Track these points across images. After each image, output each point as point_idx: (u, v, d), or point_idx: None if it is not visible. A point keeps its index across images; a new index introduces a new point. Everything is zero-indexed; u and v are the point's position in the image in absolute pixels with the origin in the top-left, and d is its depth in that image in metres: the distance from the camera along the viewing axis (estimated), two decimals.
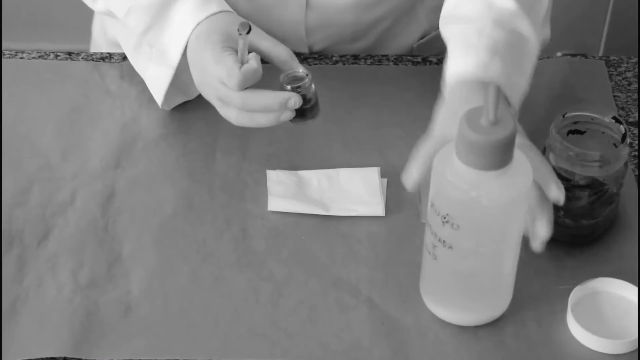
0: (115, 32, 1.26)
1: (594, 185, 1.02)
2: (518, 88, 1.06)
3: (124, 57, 1.26)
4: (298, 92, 1.04)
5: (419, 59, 1.26)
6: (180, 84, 1.16)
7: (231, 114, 1.05)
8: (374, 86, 1.22)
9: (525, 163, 0.91)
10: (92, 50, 1.41)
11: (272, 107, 1.03)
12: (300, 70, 1.06)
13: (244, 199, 1.10)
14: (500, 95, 0.86)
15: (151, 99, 1.20)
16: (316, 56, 1.27)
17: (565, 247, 1.05)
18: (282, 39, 1.26)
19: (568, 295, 0.99)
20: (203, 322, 0.99)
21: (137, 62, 1.17)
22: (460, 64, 1.04)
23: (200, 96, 1.20)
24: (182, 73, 1.13)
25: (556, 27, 2.25)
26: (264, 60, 1.06)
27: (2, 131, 1.16)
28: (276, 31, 1.25)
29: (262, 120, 1.04)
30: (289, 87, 1.04)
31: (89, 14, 1.41)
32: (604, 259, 1.04)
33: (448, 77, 1.05)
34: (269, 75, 1.05)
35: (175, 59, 1.11)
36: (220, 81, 1.04)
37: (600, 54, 2.26)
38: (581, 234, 1.05)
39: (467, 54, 1.04)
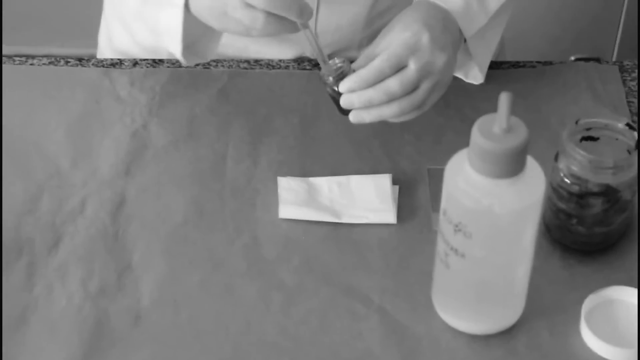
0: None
1: (608, 193, 1.01)
2: (475, 22, 1.12)
3: (135, 63, 1.25)
4: (341, 80, 1.04)
5: None
6: (195, 48, 1.14)
7: (257, 18, 1.00)
8: None
9: (538, 170, 0.90)
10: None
11: (293, 10, 0.99)
12: (337, 61, 1.05)
13: (255, 206, 1.09)
14: (510, 103, 0.86)
15: (161, 105, 1.20)
16: None
17: (578, 255, 1.04)
18: (290, 42, 1.26)
19: (581, 304, 0.98)
20: (213, 331, 0.98)
21: (148, 17, 1.15)
22: None
23: (212, 104, 1.20)
24: (197, 36, 1.11)
25: (569, 32, 2.25)
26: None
27: (2, 136, 1.16)
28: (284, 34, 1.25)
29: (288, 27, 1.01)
30: (331, 79, 1.04)
31: (98, 17, 1.41)
32: (617, 267, 1.03)
33: None
34: None
35: None
36: None
37: (614, 58, 2.25)
38: (594, 242, 1.04)
39: None
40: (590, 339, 0.97)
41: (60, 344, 0.97)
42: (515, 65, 1.26)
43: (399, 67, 1.03)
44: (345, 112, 1.06)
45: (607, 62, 1.26)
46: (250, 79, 1.24)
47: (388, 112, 1.04)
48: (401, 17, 1.08)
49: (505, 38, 1.39)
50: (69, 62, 1.26)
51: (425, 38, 1.04)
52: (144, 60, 1.26)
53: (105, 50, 1.39)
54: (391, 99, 1.03)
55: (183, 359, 0.96)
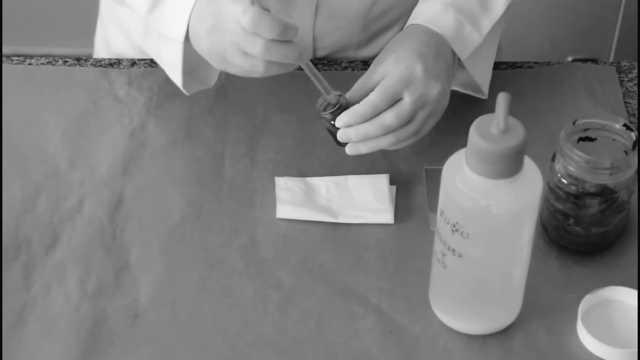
0: (126, 21, 1.24)
1: (605, 193, 1.01)
2: (469, 43, 1.12)
3: (132, 63, 1.25)
4: (337, 115, 1.05)
5: None
6: (197, 75, 1.15)
7: (257, 65, 1.00)
8: None
9: (536, 171, 0.90)
10: None
11: (291, 57, 0.99)
12: (332, 94, 1.06)
13: (252, 206, 1.09)
14: (508, 103, 0.86)
15: (159, 105, 1.20)
16: (325, 62, 1.26)
17: (575, 256, 1.04)
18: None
19: (578, 304, 0.98)
20: (211, 331, 0.99)
21: (150, 46, 1.15)
22: (417, 12, 1.12)
23: (210, 103, 1.20)
24: (198, 63, 1.11)
25: (567, 33, 2.25)
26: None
27: (2, 136, 1.16)
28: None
29: (288, 67, 1.01)
30: (328, 113, 1.05)
31: (96, 17, 1.41)
32: (614, 267, 1.04)
33: (409, 20, 1.13)
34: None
35: (181, 29, 1.06)
36: (239, 23, 0.98)
37: (611, 59, 2.25)
38: (591, 242, 1.04)
39: (426, 2, 1.12)
40: (587, 339, 0.97)
41: (58, 343, 0.97)
42: (513, 65, 1.26)
43: (394, 101, 1.04)
44: (342, 144, 1.07)
45: (605, 63, 1.26)
46: (248, 79, 1.23)
47: (385, 143, 1.06)
48: (394, 46, 1.08)
49: (502, 39, 1.39)
50: (67, 62, 1.26)
51: (418, 69, 1.05)
52: (142, 60, 1.26)
53: (102, 52, 1.38)
54: (387, 132, 1.05)
55: (181, 359, 0.97)
